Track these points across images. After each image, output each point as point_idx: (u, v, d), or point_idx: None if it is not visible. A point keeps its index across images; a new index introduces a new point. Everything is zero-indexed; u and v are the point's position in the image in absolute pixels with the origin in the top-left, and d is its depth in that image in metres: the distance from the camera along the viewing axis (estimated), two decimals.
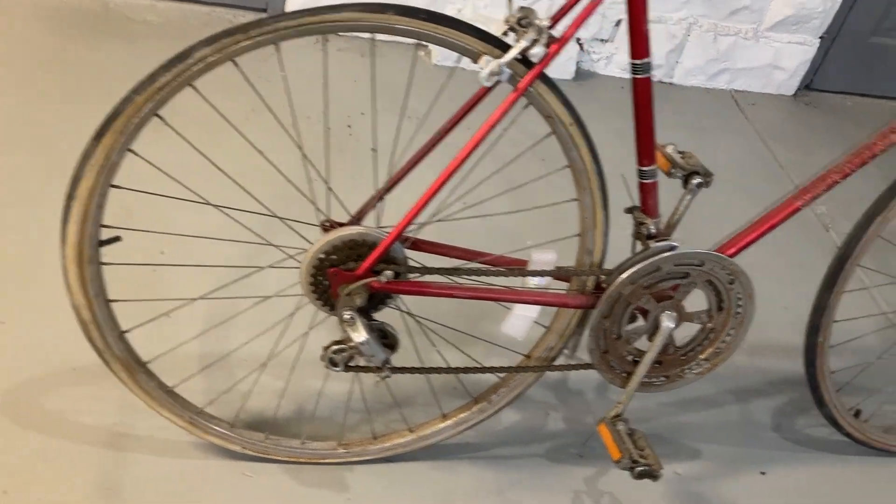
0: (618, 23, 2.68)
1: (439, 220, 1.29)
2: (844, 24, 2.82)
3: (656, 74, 2.81)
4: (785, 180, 2.47)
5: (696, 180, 1.33)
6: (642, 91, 1.18)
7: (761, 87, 2.90)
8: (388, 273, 1.18)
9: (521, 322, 1.34)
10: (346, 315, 1.18)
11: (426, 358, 1.48)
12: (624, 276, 1.27)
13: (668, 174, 1.35)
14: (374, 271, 1.19)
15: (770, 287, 2.03)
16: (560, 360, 1.40)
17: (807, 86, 2.97)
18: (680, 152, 1.39)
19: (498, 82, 1.11)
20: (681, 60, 2.79)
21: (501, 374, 1.43)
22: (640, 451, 1.33)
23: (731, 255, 1.34)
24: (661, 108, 2.78)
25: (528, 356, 1.42)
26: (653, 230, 1.29)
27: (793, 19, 2.75)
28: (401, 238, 1.22)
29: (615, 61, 2.77)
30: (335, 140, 2.16)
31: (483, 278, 1.27)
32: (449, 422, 1.44)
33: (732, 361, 1.81)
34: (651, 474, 1.29)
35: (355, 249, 1.19)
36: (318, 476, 1.40)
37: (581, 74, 2.76)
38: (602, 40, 2.72)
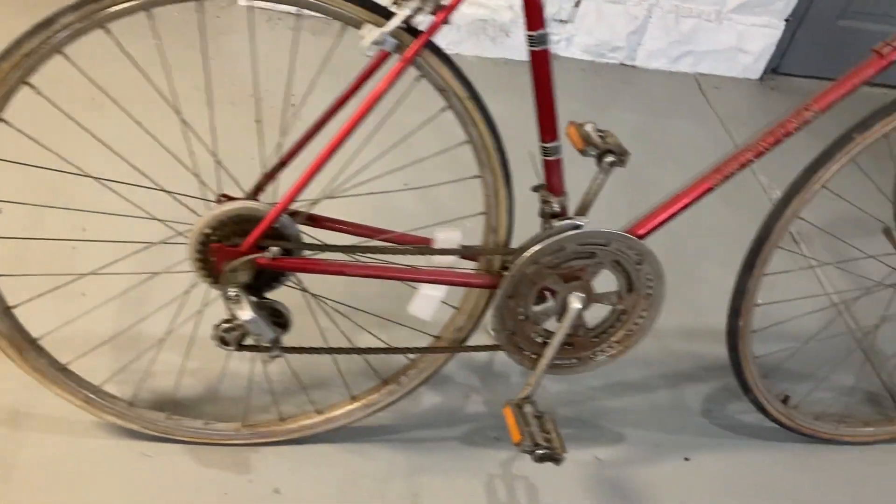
0: (577, 2, 2.64)
1: (332, 197, 1.25)
2: (811, 7, 2.77)
3: (617, 57, 2.77)
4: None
5: (608, 159, 1.30)
6: (540, 64, 1.15)
7: (726, 71, 2.86)
8: (275, 249, 1.15)
9: (427, 303, 1.31)
10: (231, 292, 1.15)
11: (337, 339, 1.45)
12: (526, 255, 1.24)
13: (583, 152, 1.32)
14: (260, 247, 1.15)
15: (711, 270, 2.01)
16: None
17: (773, 69, 2.92)
18: (599, 131, 1.35)
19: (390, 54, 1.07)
20: (643, 43, 2.74)
21: (412, 356, 1.40)
22: (546, 434, 1.30)
23: (642, 236, 1.31)
24: (622, 91, 2.76)
25: (438, 337, 1.39)
26: (556, 209, 1.26)
27: (756, 1, 2.70)
28: (290, 213, 1.19)
29: (576, 43, 2.72)
30: (276, 118, 2.12)
31: (383, 256, 1.24)
32: (358, 404, 1.41)
33: (667, 346, 1.80)
34: (553, 458, 1.26)
35: (241, 225, 1.16)
36: (221, 457, 1.38)
37: None
38: (561, 21, 2.68)
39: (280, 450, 1.41)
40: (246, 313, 1.15)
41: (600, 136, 1.34)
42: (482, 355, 1.67)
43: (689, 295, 1.92)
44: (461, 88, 1.14)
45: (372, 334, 1.47)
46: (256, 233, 1.14)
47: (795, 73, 2.94)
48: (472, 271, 1.30)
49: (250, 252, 1.15)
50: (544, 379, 1.66)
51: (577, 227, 1.26)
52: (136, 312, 1.51)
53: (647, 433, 1.61)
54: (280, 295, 1.23)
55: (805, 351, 1.75)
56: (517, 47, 2.63)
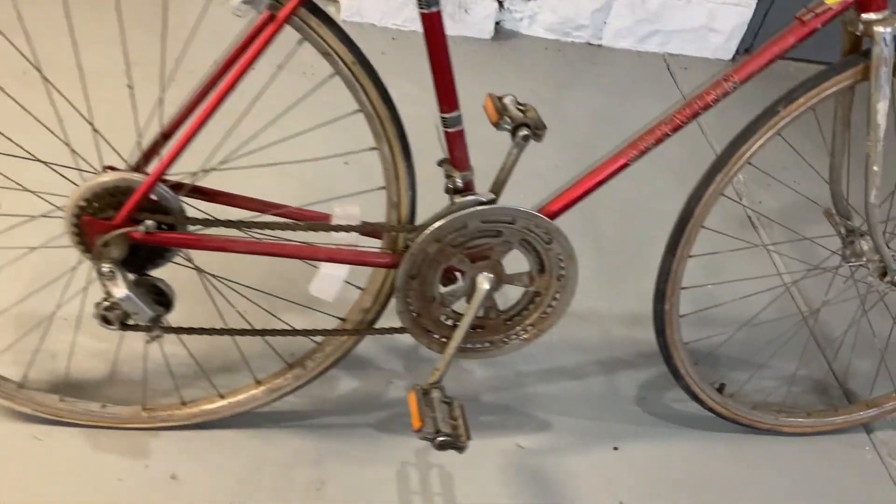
0: None
1: (216, 169, 1.18)
2: None
3: (582, 35, 2.69)
4: (705, 147, 2.35)
5: (523, 132, 1.22)
6: (432, 28, 1.08)
7: (696, 51, 2.77)
8: (149, 223, 1.09)
9: (329, 283, 1.25)
10: (105, 268, 1.09)
11: (239, 321, 1.39)
12: (426, 232, 1.18)
13: (497, 126, 1.24)
14: (136, 221, 1.09)
15: (658, 255, 1.93)
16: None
17: (747, 50, 2.84)
18: (519, 104, 1.28)
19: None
20: (608, 21, 2.66)
21: (319, 339, 1.34)
22: (453, 421, 1.24)
23: (554, 214, 1.25)
24: (586, 72, 2.69)
25: (343, 319, 1.33)
26: (460, 184, 1.19)
27: None
28: (173, 185, 1.13)
29: (539, 21, 2.65)
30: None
31: (275, 232, 1.17)
32: (263, 388, 1.35)
33: (607, 331, 1.74)
34: (455, 445, 1.20)
35: (118, 197, 1.10)
36: (118, 441, 1.32)
37: (502, 34, 2.64)
38: None
39: (181, 434, 1.36)
40: (120, 290, 1.09)
41: (520, 110, 1.27)
42: (408, 338, 1.61)
43: (633, 279, 1.85)
44: (347, 52, 1.07)
45: (274, 316, 1.40)
46: (129, 205, 1.08)
47: None
48: (373, 249, 1.24)
49: (124, 225, 1.09)
50: (472, 364, 1.61)
51: (481, 202, 1.19)
52: (24, 289, 1.46)
53: (575, 421, 1.54)
54: (179, 274, 1.17)
55: (747, 337, 1.68)
56: (478, 24, 2.55)
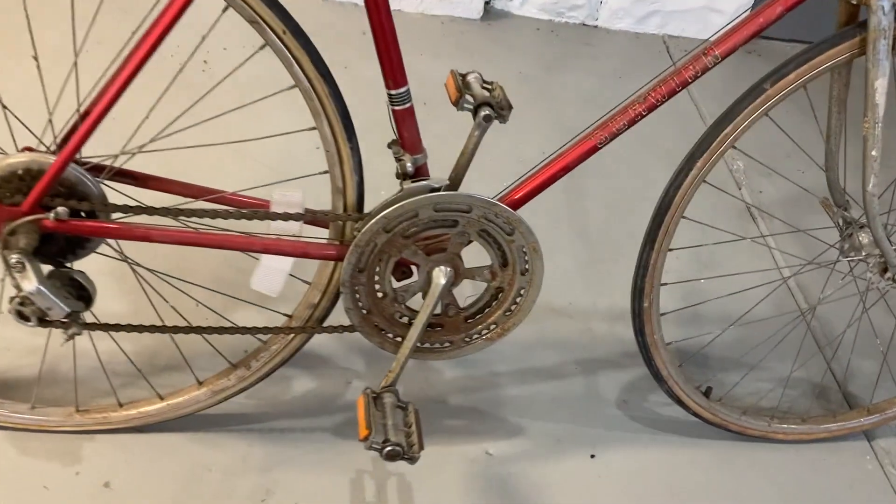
0: None
1: (135, 152, 1.07)
2: None
3: (577, 16, 2.56)
4: None
5: (484, 112, 1.11)
6: None
7: (697, 33, 2.64)
8: (60, 209, 0.99)
9: (271, 276, 1.15)
10: (13, 259, 0.99)
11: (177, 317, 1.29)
12: (373, 222, 1.07)
13: (457, 105, 1.13)
14: (47, 207, 0.99)
15: None
16: None
17: None
18: (485, 83, 1.16)
19: None
20: (605, 1, 2.53)
21: (265, 338, 1.24)
22: (407, 428, 1.14)
23: (518, 202, 1.14)
24: (581, 54, 2.56)
25: (290, 316, 1.22)
26: (410, 168, 1.08)
27: None
28: (93, 168, 1.02)
29: (532, 0, 2.52)
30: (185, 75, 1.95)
31: (210, 220, 1.07)
32: (205, 389, 1.25)
33: (589, 329, 1.62)
34: (405, 456, 1.10)
35: (27, 181, 0.99)
36: (47, 446, 1.23)
37: (492, 14, 2.52)
38: None
39: (118, 438, 1.26)
40: (30, 283, 0.99)
41: (485, 88, 1.15)
42: None
43: (620, 273, 1.73)
44: (276, 21, 0.96)
45: (214, 311, 1.30)
46: (37, 189, 0.98)
47: (776, 37, 2.71)
48: (318, 240, 1.13)
49: (33, 212, 0.99)
50: (442, 363, 1.51)
51: (434, 189, 1.08)
52: None
53: (550, 426, 1.44)
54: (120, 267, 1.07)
55: (738, 336, 1.56)
56: (466, 3, 2.43)
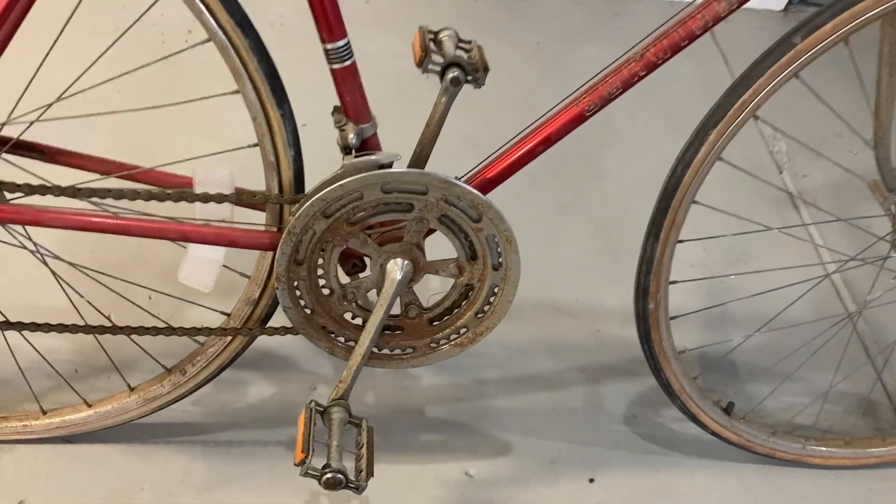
0: None
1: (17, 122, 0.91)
2: None
3: None
4: None
5: (452, 74, 0.91)
6: None
7: None
8: None
9: (200, 267, 0.98)
10: None
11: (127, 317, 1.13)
12: (307, 205, 0.89)
13: (420, 65, 0.94)
14: None
15: None
16: None
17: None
18: (461, 41, 0.97)
19: None
20: None
21: (202, 339, 1.07)
22: (357, 449, 0.96)
23: (489, 182, 0.94)
24: (607, 23, 2.33)
25: (228, 314, 1.05)
26: (353, 140, 0.90)
27: None
28: None
29: None
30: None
31: (122, 202, 0.90)
32: (135, 397, 1.09)
33: (594, 330, 1.42)
34: (349, 485, 0.92)
35: None
36: None
37: None
38: None
39: (40, 450, 1.11)
40: None
41: (461, 48, 0.96)
42: None
43: (634, 268, 1.52)
44: None
45: (144, 309, 1.12)
46: None
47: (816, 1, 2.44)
48: (251, 226, 0.95)
49: None
50: (421, 368, 1.32)
51: (381, 164, 0.89)
52: None
53: (544, 443, 1.24)
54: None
55: (768, 342, 1.34)
56: None
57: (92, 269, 1.03)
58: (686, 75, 2.05)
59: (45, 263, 0.99)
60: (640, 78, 0.90)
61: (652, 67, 0.89)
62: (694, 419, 1.19)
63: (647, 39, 0.90)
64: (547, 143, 0.93)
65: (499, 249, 0.95)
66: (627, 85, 0.90)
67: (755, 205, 1.70)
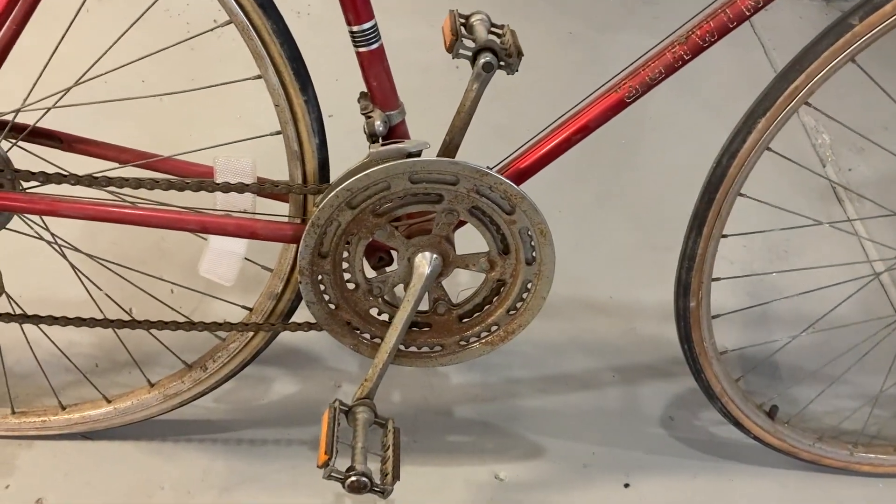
0: None
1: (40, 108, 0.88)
2: None
3: None
4: None
5: (484, 59, 0.87)
6: None
7: None
8: None
9: (221, 260, 0.95)
10: None
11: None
12: (331, 195, 0.85)
13: (451, 50, 0.89)
14: None
15: None
16: None
17: None
18: (494, 26, 0.92)
19: None
20: None
21: (223, 335, 1.03)
22: (383, 451, 0.92)
23: (524, 172, 0.90)
24: (640, 11, 2.26)
25: (251, 309, 1.01)
26: (380, 127, 0.85)
27: None
28: None
29: None
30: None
31: (140, 192, 0.87)
32: (155, 393, 1.06)
33: (630, 327, 1.37)
34: (374, 488, 0.88)
35: None
36: None
37: None
38: None
39: (59, 446, 1.09)
40: None
41: (493, 33, 0.91)
42: None
43: (672, 263, 1.46)
44: None
45: (165, 303, 1.09)
46: None
47: None
48: (274, 218, 0.92)
49: None
50: (452, 367, 1.28)
51: (409, 153, 0.85)
52: None
53: (577, 446, 1.19)
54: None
55: (814, 343, 1.28)
56: None
57: (111, 262, 0.99)
58: (723, 63, 1.98)
59: (63, 255, 0.96)
60: (685, 62, 0.85)
61: (697, 51, 0.84)
62: (735, 423, 1.14)
63: (692, 21, 0.85)
64: (585, 131, 0.88)
65: (532, 243, 0.90)
66: (671, 69, 0.85)
67: (795, 198, 1.63)
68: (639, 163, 1.68)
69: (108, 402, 1.07)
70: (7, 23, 0.79)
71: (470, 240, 0.94)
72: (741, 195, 0.94)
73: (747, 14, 0.82)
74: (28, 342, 1.03)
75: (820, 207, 1.65)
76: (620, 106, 0.87)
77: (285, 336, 1.10)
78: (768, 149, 0.91)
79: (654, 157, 1.70)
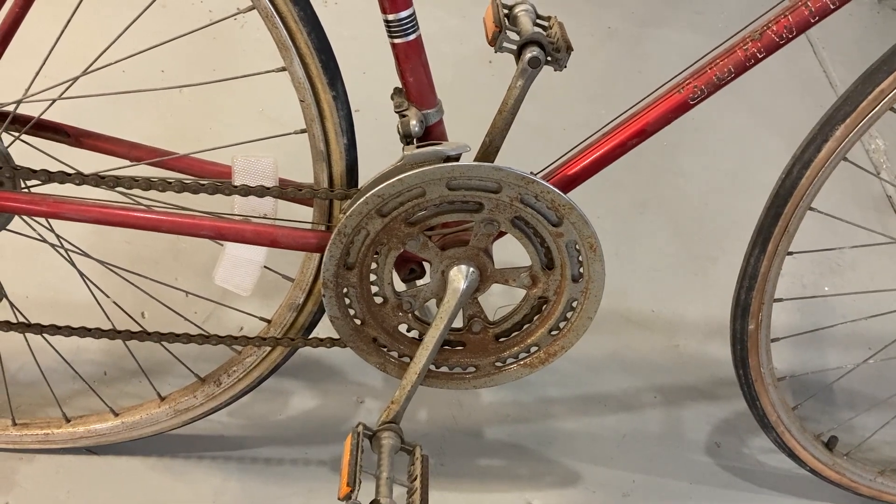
0: None
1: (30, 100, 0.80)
2: None
3: None
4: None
5: (531, 53, 0.78)
6: None
7: None
8: None
9: (239, 268, 0.87)
10: None
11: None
12: (360, 201, 0.77)
13: (494, 43, 0.80)
14: None
15: None
16: None
17: None
18: (540, 18, 0.84)
19: None
20: None
21: (239, 348, 0.96)
22: (410, 482, 0.84)
23: (572, 179, 0.81)
24: (681, 6, 2.17)
25: (269, 321, 0.94)
26: (416, 127, 0.77)
27: None
28: None
29: None
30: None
31: (151, 193, 0.80)
32: (165, 407, 0.99)
33: (674, 345, 1.28)
34: None
35: None
36: None
37: None
38: None
39: (62, 461, 1.02)
40: None
41: (539, 25, 0.83)
42: None
43: (721, 276, 1.38)
44: None
45: (177, 313, 1.01)
46: None
47: None
48: (297, 224, 0.84)
49: None
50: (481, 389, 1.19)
51: (448, 157, 0.77)
52: None
53: (616, 474, 1.11)
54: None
55: (878, 370, 1.18)
56: None
57: (121, 268, 0.92)
58: (770, 65, 1.87)
59: (70, 260, 0.89)
60: (758, 61, 0.76)
61: (773, 48, 0.75)
62: (790, 454, 1.05)
63: (766, 15, 0.76)
64: (642, 135, 0.79)
65: (580, 258, 0.82)
66: (742, 68, 0.77)
67: (848, 208, 1.53)
68: (680, 167, 1.59)
69: (116, 415, 1.00)
70: (9, 3, 0.72)
71: (509, 251, 0.85)
72: (811, 209, 0.85)
73: (832, 7, 0.73)
74: (31, 349, 0.96)
75: (874, 218, 1.55)
76: (684, 108, 0.78)
77: (305, 348, 1.03)
78: (845, 159, 0.82)
79: (696, 161, 1.60)
